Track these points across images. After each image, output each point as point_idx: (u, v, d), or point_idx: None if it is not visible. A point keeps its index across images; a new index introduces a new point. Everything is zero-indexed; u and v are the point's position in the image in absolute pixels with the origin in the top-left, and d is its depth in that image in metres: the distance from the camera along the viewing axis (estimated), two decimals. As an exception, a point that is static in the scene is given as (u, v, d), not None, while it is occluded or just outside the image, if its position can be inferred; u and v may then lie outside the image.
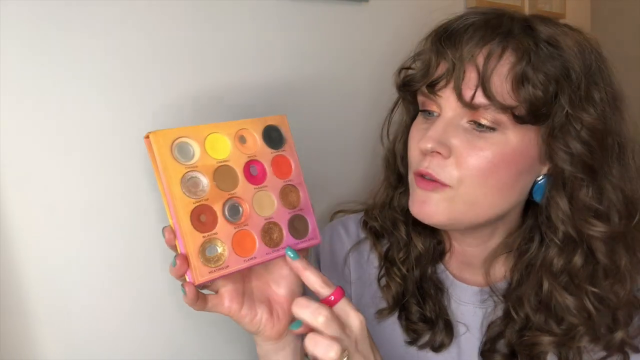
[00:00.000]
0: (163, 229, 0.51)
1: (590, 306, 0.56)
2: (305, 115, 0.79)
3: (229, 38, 0.70)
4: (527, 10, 1.29)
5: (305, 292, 0.71)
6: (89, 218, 0.59)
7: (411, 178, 0.60)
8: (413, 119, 0.63)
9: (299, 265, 0.53)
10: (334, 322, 0.49)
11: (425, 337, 0.64)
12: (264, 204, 0.56)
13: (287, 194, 0.57)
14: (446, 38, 0.57)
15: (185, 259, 0.50)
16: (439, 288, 0.66)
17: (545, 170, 0.59)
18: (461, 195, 0.56)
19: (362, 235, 0.71)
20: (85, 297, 0.60)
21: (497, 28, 0.55)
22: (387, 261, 0.68)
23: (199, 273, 0.50)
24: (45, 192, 0.56)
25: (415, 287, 0.65)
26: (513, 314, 0.60)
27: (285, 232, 0.56)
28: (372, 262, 0.70)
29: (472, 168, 0.55)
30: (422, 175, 0.58)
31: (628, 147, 0.58)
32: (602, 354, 0.58)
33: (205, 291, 0.53)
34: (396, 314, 0.67)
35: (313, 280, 0.52)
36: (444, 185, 0.56)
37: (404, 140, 0.65)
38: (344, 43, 0.84)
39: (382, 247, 0.69)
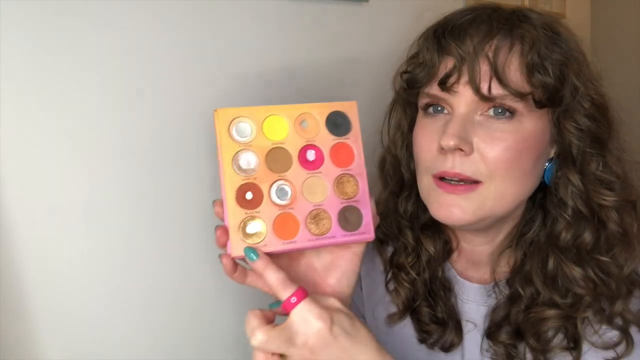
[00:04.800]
0: (213, 201, 0.55)
1: (593, 276, 0.59)
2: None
3: (228, 38, 0.69)
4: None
5: (358, 288, 0.70)
6: (89, 218, 0.61)
7: (428, 181, 0.60)
8: (410, 121, 0.65)
9: (259, 265, 0.51)
10: (273, 341, 0.48)
11: (437, 337, 0.65)
12: (316, 190, 0.55)
13: (343, 183, 0.56)
14: (449, 34, 0.58)
15: (225, 230, 0.53)
16: (447, 288, 0.67)
17: (552, 153, 0.61)
18: (492, 191, 0.57)
19: None
20: (86, 298, 0.61)
21: (499, 20, 0.58)
22: (394, 267, 0.68)
23: (235, 247, 0.53)
24: (46, 192, 0.58)
25: (425, 289, 0.66)
26: (521, 291, 0.61)
27: (334, 221, 0.55)
28: (376, 262, 0.71)
29: (499, 160, 0.56)
30: (442, 178, 0.58)
31: (616, 119, 0.61)
32: (611, 336, 0.58)
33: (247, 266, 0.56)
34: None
35: (272, 280, 0.50)
36: (476, 183, 0.57)
37: (406, 145, 0.66)
38: (344, 43, 0.84)
39: (386, 253, 0.70)
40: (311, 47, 0.80)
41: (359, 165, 0.56)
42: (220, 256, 0.54)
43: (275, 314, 0.53)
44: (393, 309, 0.68)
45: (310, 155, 0.55)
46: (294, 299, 0.50)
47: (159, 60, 0.65)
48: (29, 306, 0.58)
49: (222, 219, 0.55)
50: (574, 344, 0.59)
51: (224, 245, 0.54)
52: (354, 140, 0.56)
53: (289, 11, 0.77)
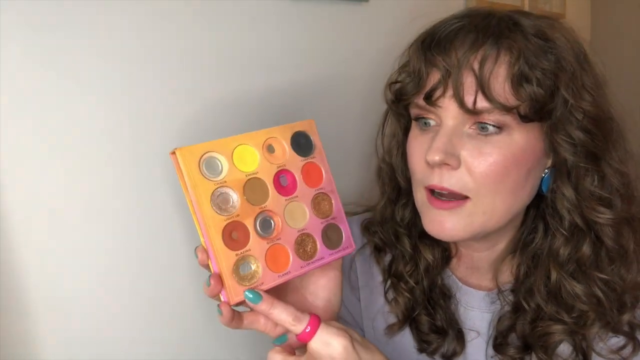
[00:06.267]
0: (195, 249, 0.49)
1: (598, 292, 0.57)
2: (303, 115, 0.77)
3: (227, 38, 0.68)
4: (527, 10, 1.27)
5: (345, 300, 0.68)
6: (89, 218, 0.59)
7: (421, 195, 0.59)
8: (405, 130, 0.63)
9: (265, 306, 0.48)
10: None
11: (436, 345, 0.64)
12: (296, 215, 0.53)
13: (319, 202, 0.55)
14: (435, 45, 0.56)
15: (219, 278, 0.48)
16: (447, 295, 0.65)
17: (549, 163, 0.58)
18: (479, 206, 0.55)
19: (365, 238, 0.70)
20: (86, 298, 0.60)
21: (486, 30, 0.55)
22: (392, 276, 0.66)
23: (234, 292, 0.49)
24: (46, 192, 0.56)
25: (424, 298, 0.64)
26: (524, 305, 0.59)
27: (319, 242, 0.54)
28: (374, 273, 0.69)
29: (486, 176, 0.54)
30: (432, 191, 0.57)
31: (617, 130, 0.58)
32: (616, 341, 0.58)
33: (240, 308, 0.52)
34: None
35: (284, 318, 0.48)
36: (463, 198, 0.55)
37: (401, 154, 0.64)
38: (344, 43, 0.84)
39: (384, 262, 0.68)
40: (311, 46, 0.79)
41: (329, 183, 0.56)
42: (219, 306, 0.49)
43: (292, 347, 0.50)
44: (392, 319, 0.66)
45: (284, 180, 0.54)
46: (308, 329, 0.48)
47: (160, 60, 0.64)
48: (28, 306, 0.57)
49: (206, 267, 0.50)
50: (583, 357, 0.58)
51: (217, 295, 0.49)
52: (320, 158, 0.56)
53: (289, 11, 0.75)
